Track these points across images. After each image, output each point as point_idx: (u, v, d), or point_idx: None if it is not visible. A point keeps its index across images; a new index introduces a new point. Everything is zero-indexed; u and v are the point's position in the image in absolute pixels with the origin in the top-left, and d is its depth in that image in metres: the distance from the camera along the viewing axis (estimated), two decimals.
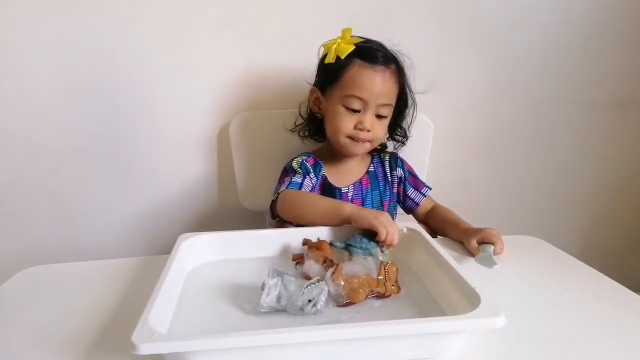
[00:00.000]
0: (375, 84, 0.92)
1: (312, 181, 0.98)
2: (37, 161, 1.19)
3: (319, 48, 1.00)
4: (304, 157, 1.02)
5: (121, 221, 1.28)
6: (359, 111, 0.94)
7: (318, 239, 0.76)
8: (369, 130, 0.94)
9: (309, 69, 1.03)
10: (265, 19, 1.16)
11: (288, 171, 1.00)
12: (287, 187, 0.93)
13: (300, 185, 0.94)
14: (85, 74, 1.14)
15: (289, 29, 1.17)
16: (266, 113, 1.19)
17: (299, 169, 0.98)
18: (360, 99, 0.92)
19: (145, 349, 0.49)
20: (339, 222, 0.80)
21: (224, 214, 1.31)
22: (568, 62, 1.30)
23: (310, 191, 0.97)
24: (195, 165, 1.26)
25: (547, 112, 1.34)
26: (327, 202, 0.87)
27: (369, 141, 0.96)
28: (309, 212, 0.87)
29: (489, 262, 0.79)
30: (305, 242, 0.76)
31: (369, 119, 0.93)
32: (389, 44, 0.97)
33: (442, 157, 1.26)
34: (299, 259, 0.72)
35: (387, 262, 0.68)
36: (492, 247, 0.83)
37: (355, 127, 0.94)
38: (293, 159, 1.01)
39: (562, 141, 1.38)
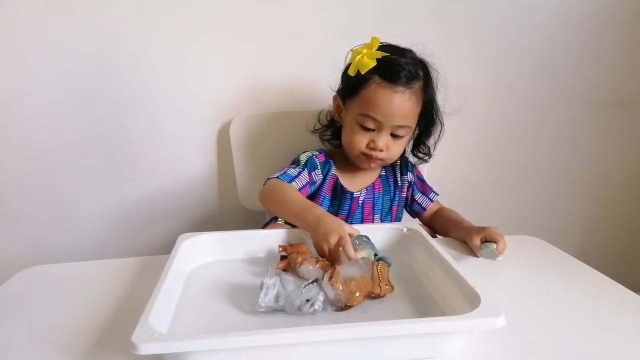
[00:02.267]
0: (392, 106, 0.88)
1: (317, 177, 0.97)
2: (37, 161, 1.19)
3: (348, 52, 0.95)
4: (316, 153, 1.00)
5: (121, 221, 1.28)
6: (373, 130, 0.92)
7: (288, 243, 0.76)
8: (381, 150, 0.92)
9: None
10: (266, 19, 1.16)
11: (294, 162, 0.99)
12: (277, 177, 0.92)
13: (293, 179, 0.92)
14: (85, 74, 1.14)
15: (289, 29, 1.17)
16: (266, 113, 1.19)
17: (303, 163, 0.97)
18: (375, 119, 0.90)
19: (145, 349, 0.49)
20: (303, 227, 0.79)
21: (224, 214, 1.31)
22: (568, 62, 1.30)
23: (309, 187, 0.95)
24: (196, 165, 1.26)
25: (547, 112, 1.34)
26: (299, 201, 0.85)
27: (381, 159, 0.95)
28: (281, 207, 0.87)
29: (493, 255, 0.81)
30: (282, 248, 0.75)
31: (382, 140, 0.91)
32: (424, 53, 0.94)
33: (442, 157, 1.26)
34: (286, 267, 0.72)
35: (378, 263, 0.68)
36: (494, 245, 0.83)
37: (368, 146, 0.93)
38: (305, 151, 1.01)
39: (562, 141, 1.38)
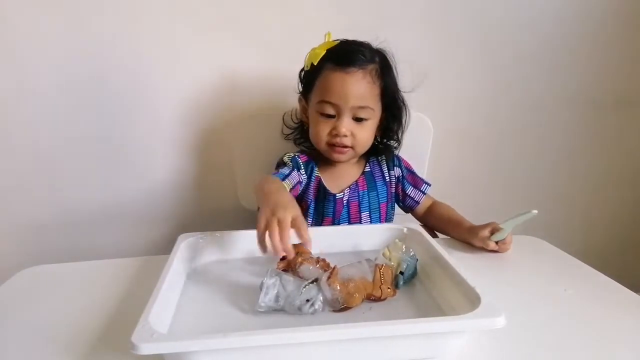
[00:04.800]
0: (346, 87, 0.87)
1: (301, 177, 0.95)
2: (37, 161, 1.19)
3: (305, 56, 0.97)
4: (298, 153, 0.99)
5: (121, 221, 1.28)
6: (334, 116, 0.90)
7: None
8: (345, 136, 0.90)
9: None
10: (265, 19, 1.16)
11: (279, 165, 0.97)
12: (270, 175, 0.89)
13: (285, 177, 0.90)
14: (85, 74, 1.14)
15: (289, 29, 1.17)
16: (266, 113, 1.18)
17: (289, 162, 0.95)
18: (332, 103, 0.89)
19: (145, 349, 0.49)
20: (259, 202, 0.74)
21: (224, 214, 1.31)
22: (568, 61, 1.30)
23: (299, 188, 0.94)
24: (195, 165, 1.26)
25: (547, 111, 1.34)
26: (272, 184, 0.81)
27: (350, 147, 0.92)
28: (259, 194, 0.80)
29: (523, 216, 0.77)
30: None
31: (344, 124, 0.89)
32: (376, 42, 0.93)
33: (441, 156, 1.26)
34: (285, 267, 0.71)
35: (382, 265, 0.68)
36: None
37: (331, 134, 0.91)
38: (286, 153, 0.99)
39: (561, 141, 1.38)
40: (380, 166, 1.03)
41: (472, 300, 0.57)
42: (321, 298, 0.62)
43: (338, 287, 0.63)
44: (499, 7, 1.22)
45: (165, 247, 0.75)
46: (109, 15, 1.10)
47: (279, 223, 0.64)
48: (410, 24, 1.20)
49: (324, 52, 0.90)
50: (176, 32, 1.14)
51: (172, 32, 1.14)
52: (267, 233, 0.65)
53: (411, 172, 1.05)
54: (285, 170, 0.92)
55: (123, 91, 1.17)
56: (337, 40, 0.93)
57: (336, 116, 0.90)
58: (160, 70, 1.17)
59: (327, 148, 0.93)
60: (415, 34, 1.20)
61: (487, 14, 1.23)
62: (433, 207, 1.04)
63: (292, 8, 1.16)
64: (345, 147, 0.92)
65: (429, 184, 1.05)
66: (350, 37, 0.95)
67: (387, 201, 1.03)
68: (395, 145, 1.03)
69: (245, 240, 0.81)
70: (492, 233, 0.84)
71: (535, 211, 0.74)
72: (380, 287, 0.65)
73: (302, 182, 0.96)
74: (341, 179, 1.00)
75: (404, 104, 0.98)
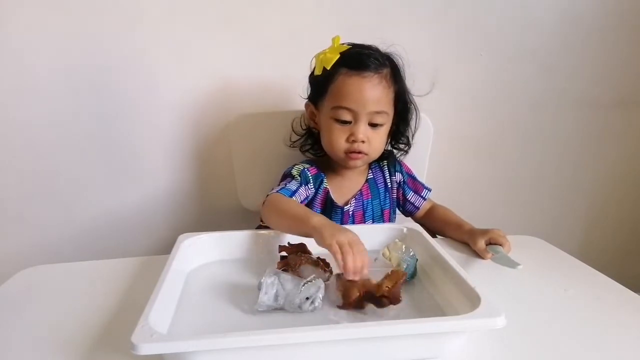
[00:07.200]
0: (363, 92, 0.86)
1: (309, 192, 0.94)
2: (37, 161, 1.19)
3: (311, 60, 0.95)
4: (307, 165, 0.97)
5: (121, 221, 1.28)
6: (350, 122, 0.89)
7: (288, 243, 0.75)
8: (363, 142, 0.89)
9: (304, 77, 1.01)
10: (265, 19, 1.16)
11: (286, 177, 0.96)
12: (277, 192, 0.87)
13: (293, 193, 0.89)
14: (84, 74, 1.14)
15: (289, 29, 1.17)
16: (266, 113, 1.18)
17: (297, 176, 0.94)
18: (349, 109, 0.87)
19: (145, 349, 0.49)
20: (304, 233, 0.73)
21: (224, 214, 1.31)
22: (568, 61, 1.30)
23: (305, 202, 0.93)
24: (195, 165, 1.26)
25: (547, 112, 1.34)
26: (299, 209, 0.81)
27: (366, 153, 0.91)
28: (283, 219, 0.81)
29: (511, 263, 0.75)
30: (282, 248, 0.74)
31: (361, 130, 0.88)
32: (383, 46, 0.93)
33: (442, 157, 1.26)
34: (285, 267, 0.71)
35: (391, 271, 0.67)
36: (501, 248, 0.81)
37: (348, 140, 0.89)
38: (295, 165, 0.97)
39: (562, 141, 1.38)
40: (382, 172, 1.03)
41: (472, 300, 0.57)
42: (321, 296, 0.62)
43: (338, 287, 0.63)
44: (499, 7, 1.23)
45: (166, 247, 0.75)
46: (109, 16, 1.10)
47: (353, 248, 0.65)
48: (411, 25, 1.20)
49: (337, 57, 0.87)
50: (176, 32, 1.14)
51: (172, 32, 1.14)
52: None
53: (412, 177, 1.05)
54: (293, 186, 0.91)
55: (123, 91, 1.17)
56: (346, 44, 0.91)
57: (352, 122, 0.89)
58: (160, 70, 1.17)
59: (344, 156, 0.91)
60: (414, 34, 1.20)
61: (488, 14, 1.23)
62: (432, 209, 1.04)
63: (292, 8, 1.16)
64: (361, 152, 0.91)
65: (429, 189, 1.04)
66: (349, 38, 0.95)
67: (389, 207, 1.02)
68: (406, 149, 1.02)
69: (245, 240, 0.81)
70: (489, 243, 0.83)
71: (521, 266, 0.73)
72: (382, 287, 0.65)
73: (309, 197, 0.95)
74: (346, 189, 0.99)
75: (414, 106, 0.97)
